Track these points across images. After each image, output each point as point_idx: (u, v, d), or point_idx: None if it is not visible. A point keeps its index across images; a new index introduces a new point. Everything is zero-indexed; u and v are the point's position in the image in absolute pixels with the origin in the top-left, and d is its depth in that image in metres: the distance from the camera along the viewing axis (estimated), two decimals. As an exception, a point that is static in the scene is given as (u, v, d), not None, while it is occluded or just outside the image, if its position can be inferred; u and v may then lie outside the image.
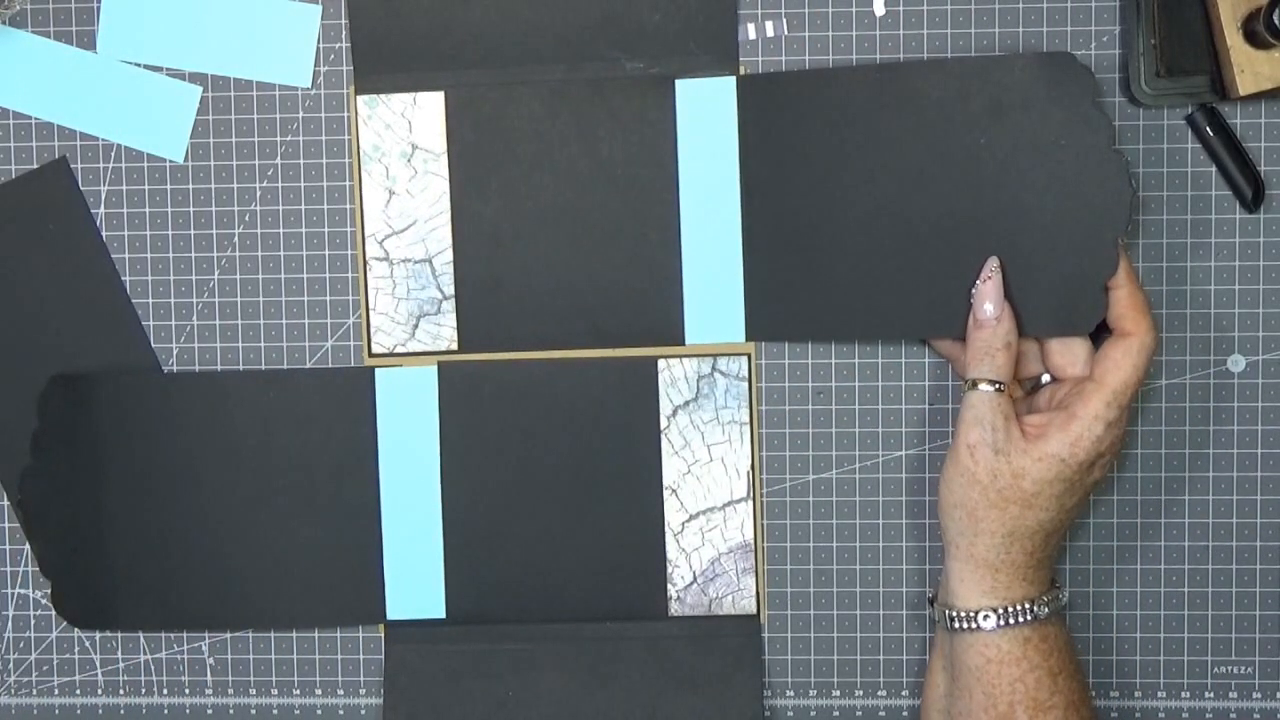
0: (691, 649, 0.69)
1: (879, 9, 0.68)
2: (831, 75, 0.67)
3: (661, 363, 0.69)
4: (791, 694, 0.70)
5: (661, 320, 0.68)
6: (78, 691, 0.72)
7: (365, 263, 0.69)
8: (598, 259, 0.68)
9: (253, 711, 0.71)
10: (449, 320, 0.69)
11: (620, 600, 0.69)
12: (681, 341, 0.69)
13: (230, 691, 0.71)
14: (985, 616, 0.62)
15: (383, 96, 0.69)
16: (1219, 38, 0.64)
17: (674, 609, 0.69)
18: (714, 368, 0.69)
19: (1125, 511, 0.69)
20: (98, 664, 0.72)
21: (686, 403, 0.69)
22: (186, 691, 0.72)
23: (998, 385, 0.63)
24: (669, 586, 0.69)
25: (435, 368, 0.69)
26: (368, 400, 0.69)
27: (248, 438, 0.69)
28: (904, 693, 0.70)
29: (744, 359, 0.69)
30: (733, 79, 0.68)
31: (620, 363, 0.69)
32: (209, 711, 0.72)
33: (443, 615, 0.70)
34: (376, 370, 0.69)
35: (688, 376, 0.69)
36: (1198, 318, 0.68)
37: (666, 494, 0.69)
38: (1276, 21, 0.61)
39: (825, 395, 0.69)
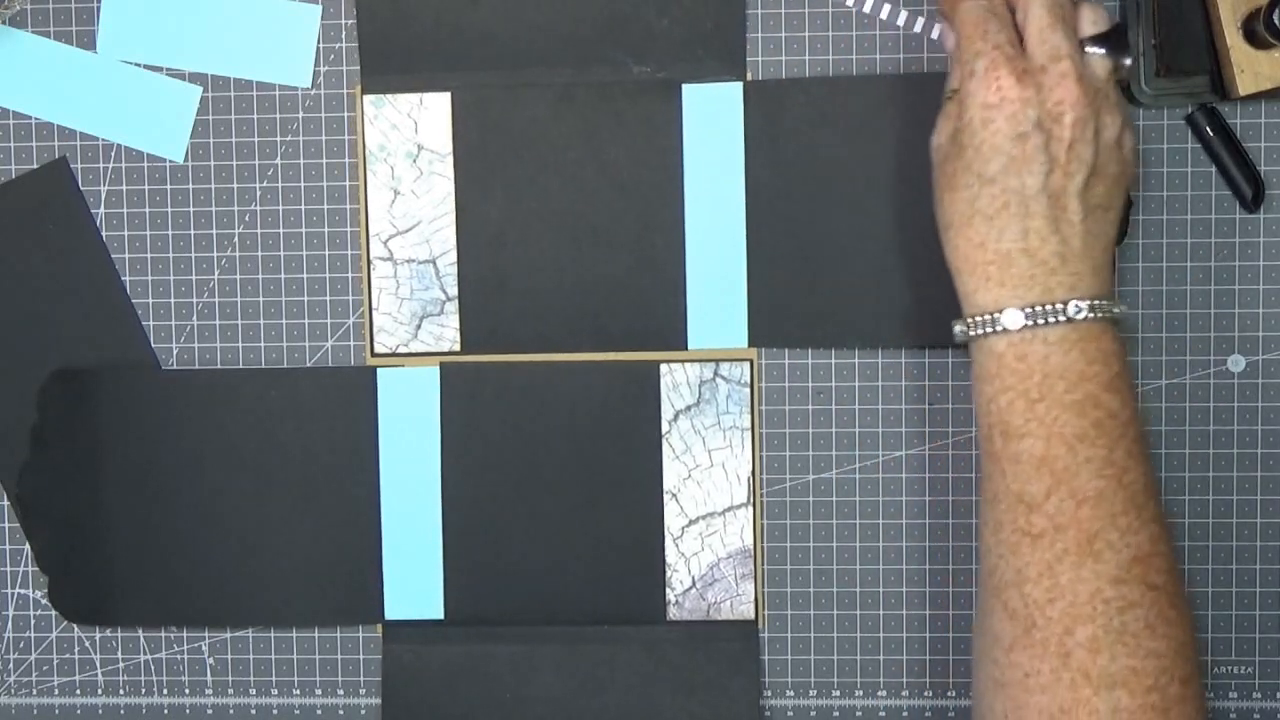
0: (689, 653, 0.69)
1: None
2: (840, 83, 0.67)
3: (664, 367, 0.69)
4: (791, 694, 0.70)
5: (664, 324, 0.68)
6: (78, 691, 0.72)
7: (369, 262, 0.69)
8: (602, 262, 0.68)
9: (253, 711, 0.71)
10: (452, 321, 0.69)
11: (618, 603, 0.69)
12: (684, 346, 0.69)
13: (230, 691, 0.71)
14: (956, 325, 0.59)
15: (389, 96, 0.69)
16: (1219, 38, 0.64)
17: (672, 613, 0.69)
18: (716, 373, 0.69)
19: (1125, 511, 0.69)
20: (98, 664, 0.72)
21: (688, 407, 0.69)
22: (186, 691, 0.72)
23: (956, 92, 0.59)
24: (667, 591, 0.69)
25: (438, 368, 0.69)
26: (370, 400, 0.69)
27: (249, 436, 0.69)
28: (904, 693, 0.70)
29: (746, 365, 0.69)
30: (740, 85, 0.68)
31: (622, 366, 0.69)
32: (209, 711, 0.72)
33: (441, 616, 0.70)
34: (379, 370, 0.69)
35: (690, 381, 0.69)
36: (1198, 318, 0.68)
37: (666, 498, 0.69)
38: (1276, 21, 0.61)
39: (825, 395, 0.69)
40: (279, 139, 0.69)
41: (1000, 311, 0.57)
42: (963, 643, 0.69)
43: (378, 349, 0.70)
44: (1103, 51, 0.59)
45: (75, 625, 0.71)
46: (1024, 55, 0.58)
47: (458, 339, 0.69)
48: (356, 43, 0.68)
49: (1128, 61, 0.60)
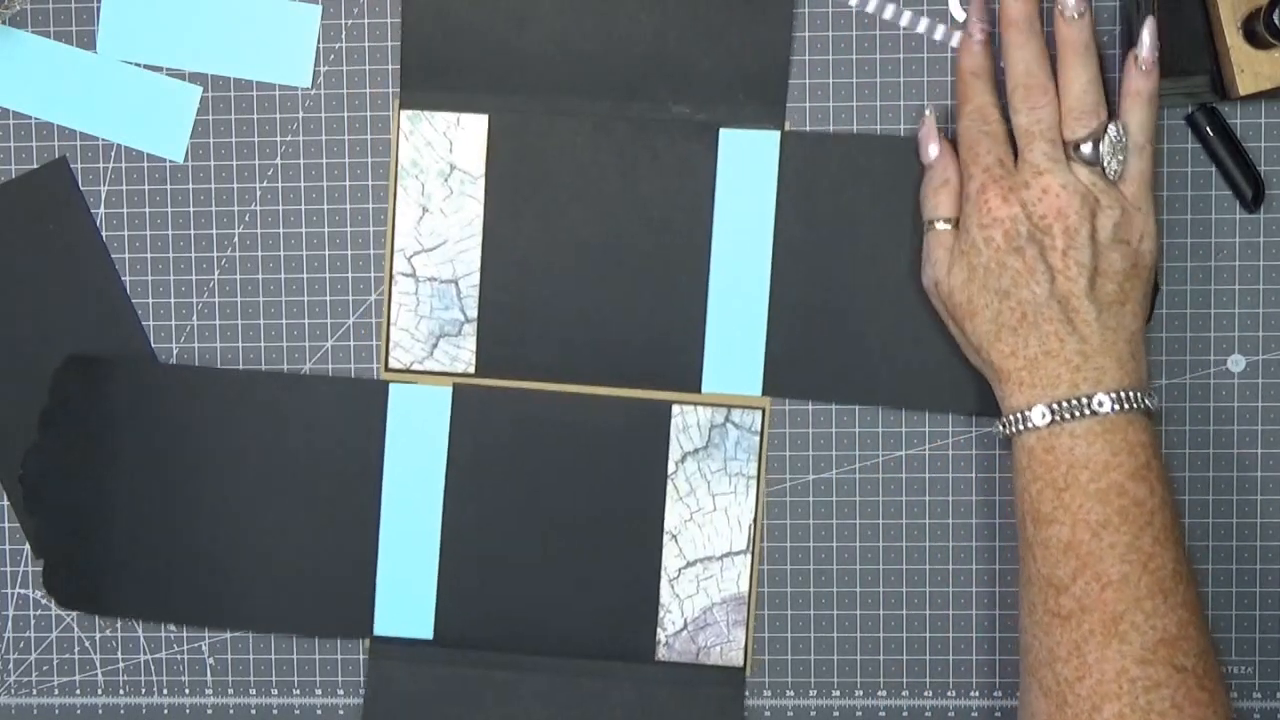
0: (675, 696, 0.69)
1: (958, 14, 0.67)
2: (877, 141, 0.67)
3: (676, 408, 0.69)
4: (791, 694, 0.70)
5: (680, 365, 0.68)
6: (78, 691, 0.72)
7: (391, 278, 0.69)
8: (624, 298, 0.68)
9: (253, 711, 0.71)
10: (469, 343, 0.69)
11: (609, 639, 0.69)
12: (698, 389, 0.68)
13: (230, 691, 0.71)
14: (996, 425, 0.63)
15: (426, 113, 0.68)
16: (1219, 38, 0.64)
17: (661, 654, 0.69)
18: (727, 418, 0.69)
19: (1125, 511, 0.69)
20: (98, 664, 0.72)
21: (696, 450, 0.69)
22: (186, 691, 0.72)
23: (945, 221, 0.63)
24: (659, 631, 0.69)
25: (450, 389, 0.69)
26: (380, 414, 0.69)
27: (257, 438, 0.69)
28: (904, 693, 0.70)
29: (758, 413, 0.69)
30: (777, 134, 0.67)
31: (635, 403, 0.69)
32: (209, 711, 0.72)
33: (430, 636, 0.70)
34: (391, 385, 0.69)
35: (700, 424, 0.69)
36: (1198, 318, 0.68)
37: (666, 539, 0.69)
38: (1276, 21, 0.62)
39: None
40: (279, 139, 0.69)
41: (1029, 409, 0.60)
42: (962, 643, 0.69)
43: (392, 364, 0.69)
44: (1090, 152, 0.61)
45: (75, 625, 0.71)
46: (1012, 172, 0.62)
47: (473, 361, 0.69)
48: (398, 59, 0.68)
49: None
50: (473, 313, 0.69)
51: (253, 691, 0.71)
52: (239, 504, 0.70)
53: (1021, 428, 0.61)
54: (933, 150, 0.65)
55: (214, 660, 0.71)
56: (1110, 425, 0.59)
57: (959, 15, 0.68)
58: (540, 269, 0.68)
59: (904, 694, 0.70)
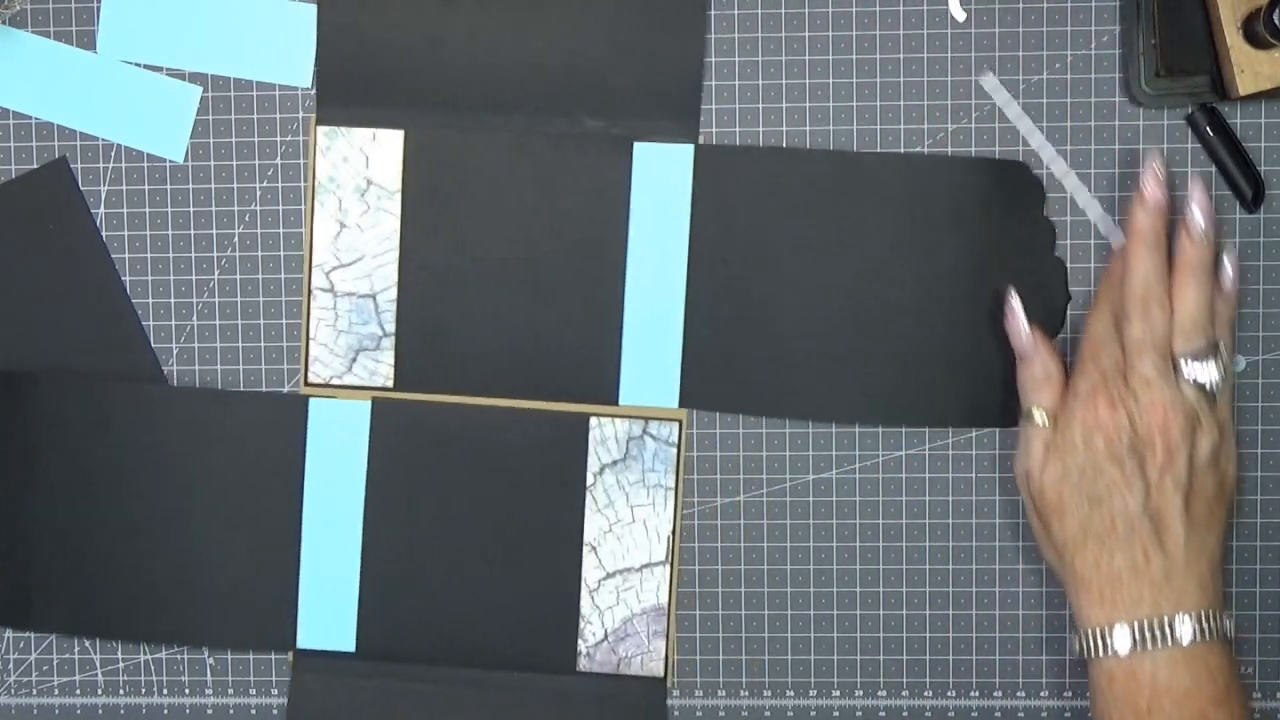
0: (597, 706, 0.69)
1: (958, 14, 0.67)
2: (790, 155, 0.67)
3: (594, 420, 0.69)
4: (792, 694, 0.70)
5: (597, 378, 0.68)
6: (78, 691, 0.72)
7: (309, 292, 0.69)
8: (540, 311, 0.68)
9: (252, 711, 0.71)
10: (387, 358, 0.69)
11: (530, 651, 0.69)
12: (615, 401, 0.69)
13: (230, 691, 0.71)
14: (1072, 640, 0.63)
15: (343, 129, 0.68)
16: (1219, 38, 0.64)
17: (583, 664, 0.69)
18: (645, 430, 0.69)
19: (1125, 511, 0.69)
20: (98, 664, 0.72)
21: (614, 462, 0.69)
22: (186, 691, 0.72)
23: (1044, 412, 0.63)
24: (580, 642, 0.69)
25: (369, 403, 0.69)
26: (299, 428, 0.69)
27: (177, 453, 0.69)
28: (904, 693, 0.70)
29: (675, 425, 0.69)
30: (691, 147, 0.68)
31: (553, 416, 0.69)
32: (209, 711, 0.72)
33: (353, 649, 0.70)
34: (311, 400, 0.69)
35: (618, 436, 0.69)
36: (1198, 318, 0.68)
37: (586, 550, 0.69)
38: (1276, 21, 0.61)
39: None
40: (279, 139, 0.69)
41: (1111, 629, 0.61)
42: (963, 643, 0.69)
43: (312, 379, 0.69)
44: (1198, 370, 0.62)
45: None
46: (1124, 380, 0.62)
47: (391, 375, 0.69)
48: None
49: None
50: (391, 327, 0.69)
51: (252, 691, 0.71)
52: (161, 519, 0.69)
53: (1104, 653, 0.61)
54: (1025, 339, 0.65)
55: (214, 660, 0.71)
56: (1192, 653, 0.60)
57: (959, 16, 0.68)
58: (457, 283, 0.68)
59: (904, 694, 0.70)
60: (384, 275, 0.69)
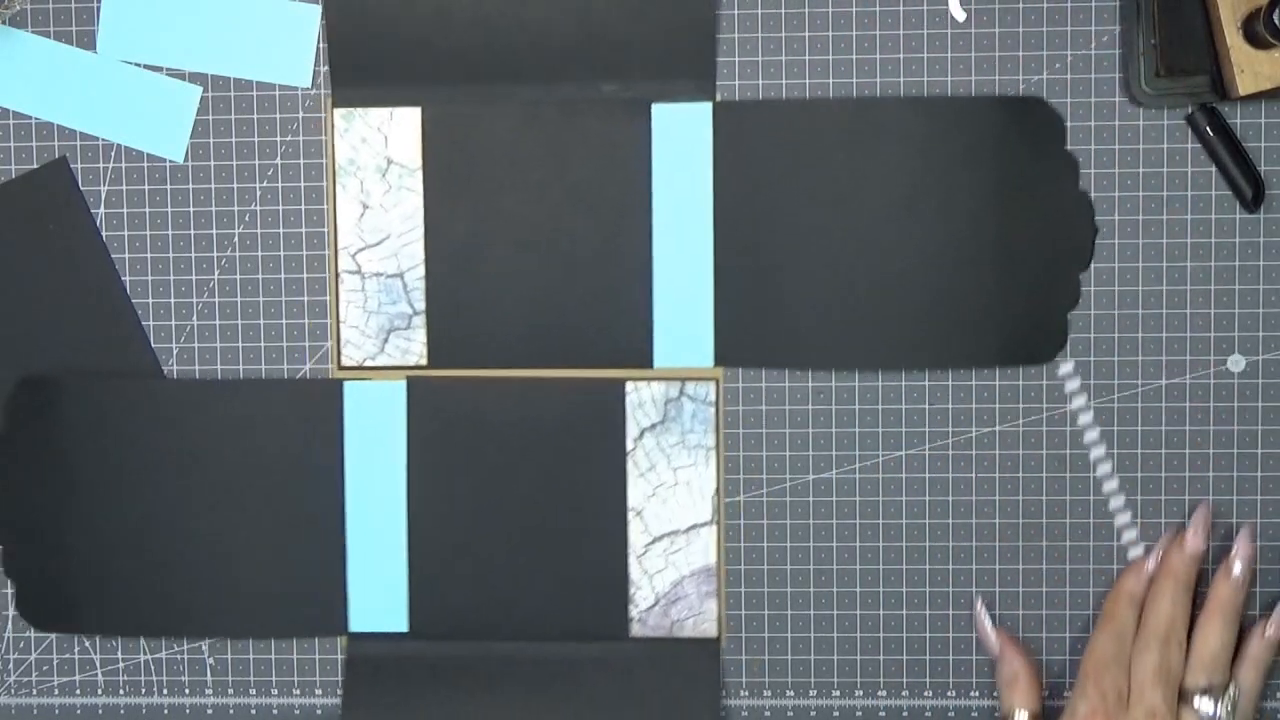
0: (651, 671, 0.69)
1: (958, 14, 0.67)
2: (809, 106, 0.67)
3: (629, 385, 0.69)
4: (792, 694, 0.70)
5: (630, 343, 0.68)
6: (78, 691, 0.72)
7: (337, 275, 0.69)
8: (569, 280, 0.68)
9: (253, 711, 0.71)
10: (419, 335, 0.69)
11: (583, 620, 0.69)
12: (650, 364, 0.68)
13: (230, 691, 0.71)
14: None
15: (359, 110, 0.68)
16: (1219, 38, 0.64)
17: (635, 630, 0.69)
18: (682, 391, 0.69)
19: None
20: (98, 664, 0.72)
21: (653, 425, 0.69)
22: (186, 691, 0.72)
23: (1025, 712, 0.65)
24: (630, 608, 0.69)
25: (404, 383, 0.69)
26: (336, 413, 0.69)
27: (215, 446, 0.69)
28: (904, 693, 0.70)
29: (711, 384, 0.69)
30: (709, 105, 0.67)
31: (588, 384, 0.69)
32: (209, 711, 0.72)
33: (405, 629, 0.70)
34: (345, 383, 0.69)
35: (655, 399, 0.69)
36: (1198, 318, 0.68)
37: (631, 516, 0.69)
38: (1276, 21, 0.61)
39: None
40: (279, 139, 0.69)
41: None
42: (963, 643, 0.69)
43: (345, 361, 0.69)
44: (1208, 709, 0.63)
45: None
46: (1124, 708, 0.63)
47: (424, 353, 0.69)
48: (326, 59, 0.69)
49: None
50: (420, 305, 0.69)
51: (253, 691, 0.71)
52: (203, 513, 0.69)
53: None
54: (992, 644, 0.67)
55: (214, 660, 0.71)
56: None
57: (959, 16, 0.68)
58: (484, 257, 0.68)
59: (904, 694, 0.70)
60: (410, 253, 0.69)
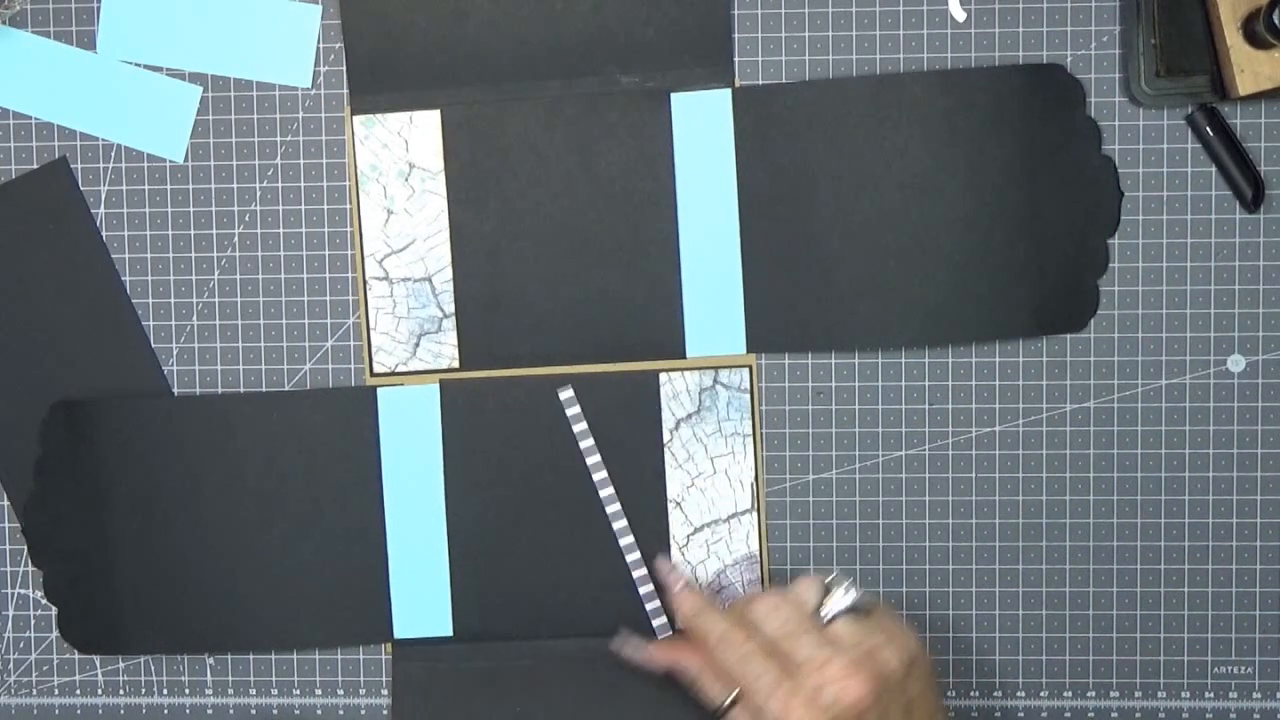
0: None
1: (958, 14, 0.67)
2: (828, 86, 0.67)
3: (663, 376, 0.69)
4: (791, 694, 0.70)
5: (662, 334, 0.68)
6: (78, 691, 0.72)
7: (365, 283, 0.69)
8: (597, 273, 0.68)
9: (253, 711, 0.71)
10: (450, 338, 0.69)
11: (625, 616, 0.69)
12: (682, 354, 0.68)
13: (230, 691, 0.71)
14: None
15: (379, 116, 0.68)
16: (1219, 38, 0.64)
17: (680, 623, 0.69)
18: (715, 380, 0.69)
19: (1125, 511, 0.69)
20: (98, 664, 0.72)
21: (689, 415, 0.69)
22: (186, 691, 0.72)
23: (728, 699, 0.63)
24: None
25: (437, 386, 0.69)
26: (370, 420, 0.69)
27: (251, 460, 0.69)
28: (904, 693, 0.70)
29: (745, 371, 0.69)
30: (728, 91, 0.68)
31: (621, 377, 0.69)
32: (209, 711, 0.72)
33: (450, 633, 0.70)
34: (379, 390, 0.69)
35: (689, 389, 0.69)
36: (1198, 318, 0.68)
37: (671, 507, 0.69)
38: (1276, 21, 0.62)
39: (825, 395, 0.69)
40: (279, 139, 0.69)
41: None
42: (962, 643, 0.69)
43: (377, 368, 0.69)
44: (839, 609, 0.62)
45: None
46: (793, 675, 0.61)
47: (456, 356, 0.69)
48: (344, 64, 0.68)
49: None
50: (450, 307, 0.69)
51: (253, 691, 0.71)
52: (244, 529, 0.69)
53: None
54: (662, 665, 0.66)
55: (214, 660, 0.71)
56: None
57: (959, 16, 0.68)
58: (511, 255, 0.68)
59: (904, 694, 0.70)
60: (437, 256, 0.69)
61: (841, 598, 0.62)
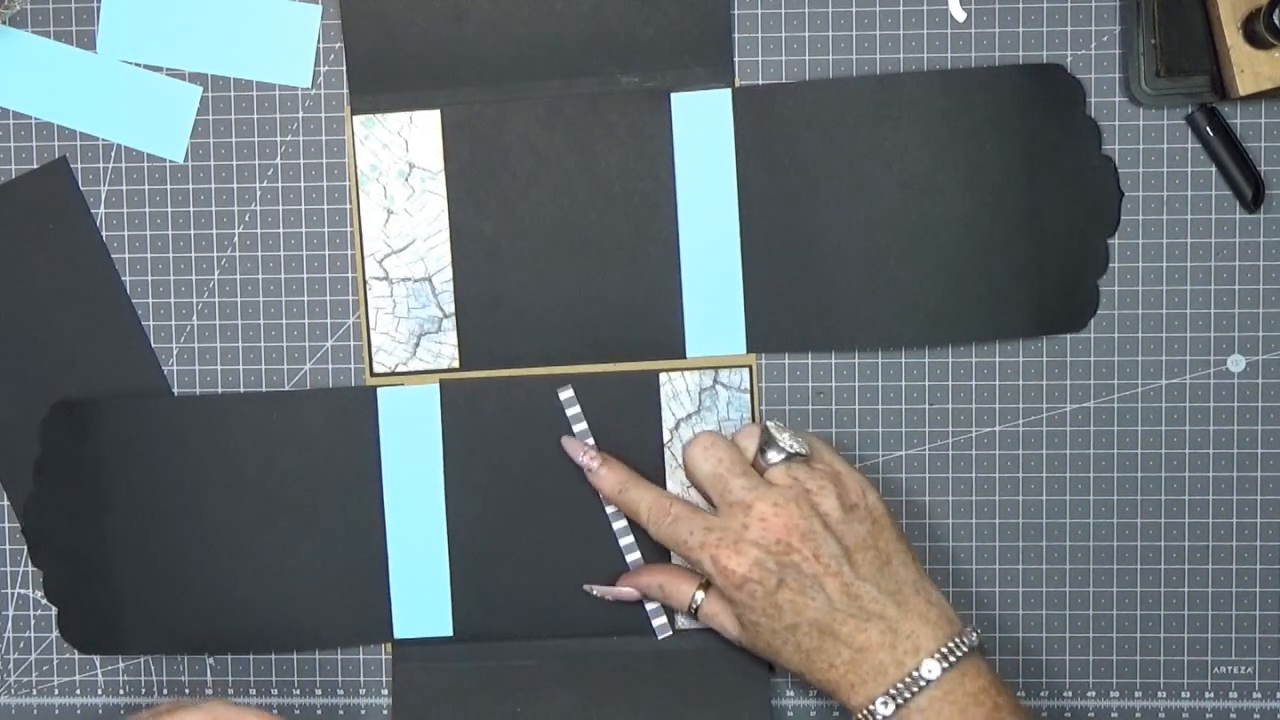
0: (698, 663, 0.69)
1: (958, 14, 0.67)
2: (828, 86, 0.67)
3: (663, 376, 0.69)
4: (791, 694, 0.70)
5: (662, 333, 0.68)
6: (78, 691, 0.72)
7: (365, 283, 0.69)
8: (597, 273, 0.68)
9: (253, 711, 0.71)
10: (450, 338, 0.69)
11: (627, 615, 0.69)
12: (683, 354, 0.68)
13: (230, 692, 0.71)
14: None
15: (379, 116, 0.68)
16: (1219, 38, 0.64)
17: (681, 623, 0.69)
18: (715, 380, 0.69)
19: (1125, 511, 0.69)
20: (98, 664, 0.72)
21: (689, 415, 0.69)
22: (186, 691, 0.72)
23: (698, 595, 0.65)
24: None
25: (437, 386, 0.69)
26: (370, 420, 0.69)
27: (251, 460, 0.69)
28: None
29: (745, 371, 0.69)
30: (728, 91, 0.68)
31: (622, 377, 0.69)
32: (209, 711, 0.72)
33: (450, 633, 0.70)
34: (379, 390, 0.69)
35: (689, 389, 0.69)
36: (1198, 318, 0.68)
37: None
38: (1276, 21, 0.62)
39: (825, 395, 0.69)
40: (279, 139, 0.69)
41: (873, 706, 0.61)
42: (963, 643, 0.69)
43: (377, 368, 0.69)
44: (774, 454, 0.63)
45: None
46: (725, 525, 0.62)
47: (456, 356, 0.69)
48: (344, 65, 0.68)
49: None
50: (450, 307, 0.69)
51: (253, 692, 0.71)
52: (244, 529, 0.69)
53: None
54: (629, 595, 0.68)
55: (214, 660, 0.71)
56: (949, 687, 0.60)
57: (959, 16, 0.68)
58: (511, 256, 0.68)
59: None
60: (437, 256, 0.69)
61: (783, 443, 0.63)
